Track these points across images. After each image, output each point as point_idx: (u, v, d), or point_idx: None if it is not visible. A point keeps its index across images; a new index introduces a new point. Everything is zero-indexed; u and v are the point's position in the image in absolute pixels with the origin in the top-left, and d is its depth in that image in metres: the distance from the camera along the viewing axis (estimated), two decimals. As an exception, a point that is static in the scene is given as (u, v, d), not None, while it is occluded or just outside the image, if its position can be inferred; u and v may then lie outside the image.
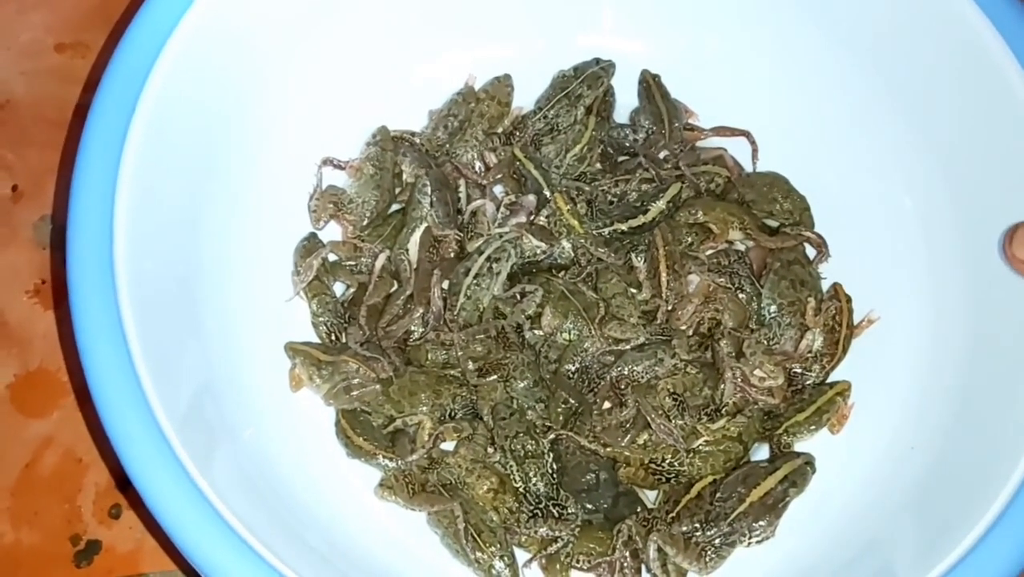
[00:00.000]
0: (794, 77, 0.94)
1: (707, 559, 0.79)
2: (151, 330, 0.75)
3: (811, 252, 0.91)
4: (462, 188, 0.92)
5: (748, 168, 0.95)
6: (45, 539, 0.88)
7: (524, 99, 0.96)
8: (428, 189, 0.89)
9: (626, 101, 0.97)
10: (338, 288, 0.90)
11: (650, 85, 0.95)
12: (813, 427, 0.84)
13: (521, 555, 0.80)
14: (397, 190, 0.92)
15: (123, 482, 0.90)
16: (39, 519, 0.89)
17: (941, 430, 0.81)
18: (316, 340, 0.87)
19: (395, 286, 0.88)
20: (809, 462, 0.81)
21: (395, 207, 0.93)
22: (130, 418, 0.71)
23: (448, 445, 0.84)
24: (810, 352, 0.86)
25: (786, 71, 0.94)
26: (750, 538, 0.79)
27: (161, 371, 0.73)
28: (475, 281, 0.85)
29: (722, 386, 0.84)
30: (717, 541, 0.79)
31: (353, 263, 0.89)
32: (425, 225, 0.89)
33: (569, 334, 0.85)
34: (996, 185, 0.85)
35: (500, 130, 0.95)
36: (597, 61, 0.95)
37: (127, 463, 0.70)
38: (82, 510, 0.89)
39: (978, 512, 0.72)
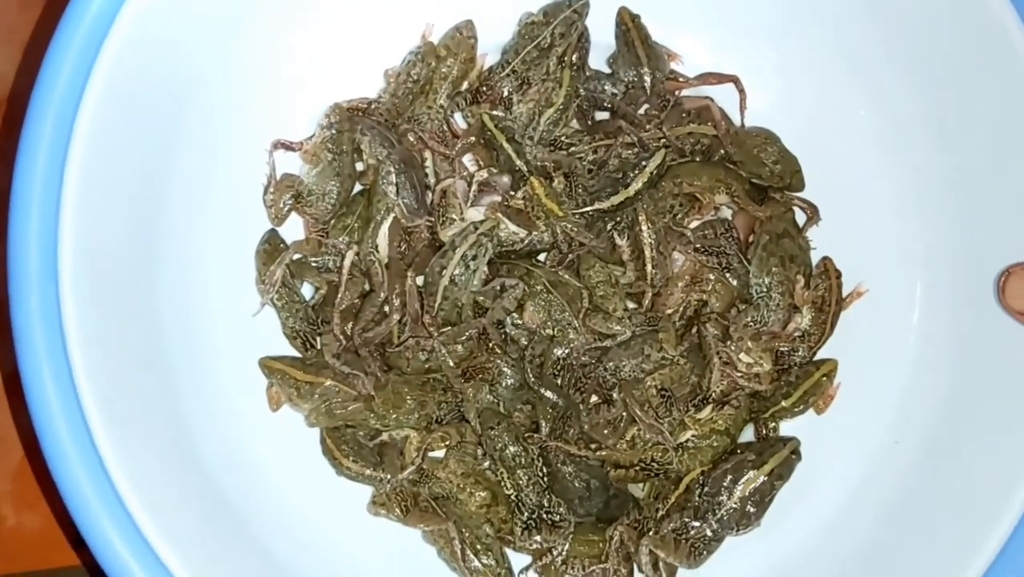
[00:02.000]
0: (789, 20, 0.86)
1: (696, 554, 0.81)
2: (101, 360, 0.72)
3: (801, 217, 0.87)
4: (428, 162, 0.85)
5: (735, 118, 0.87)
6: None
7: (490, 41, 0.87)
8: (392, 177, 0.82)
9: (601, 40, 0.87)
10: (306, 289, 0.84)
11: (629, 28, 0.86)
12: (799, 409, 0.84)
13: (516, 561, 0.82)
14: (359, 166, 0.85)
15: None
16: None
17: (930, 423, 0.82)
18: (290, 350, 0.83)
19: (367, 286, 0.83)
20: (795, 450, 0.82)
21: (359, 187, 0.86)
22: (79, 472, 0.72)
23: (437, 452, 0.83)
24: (798, 331, 0.85)
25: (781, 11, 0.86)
26: (737, 530, 0.82)
27: (113, 408, 0.72)
28: (452, 282, 0.81)
29: (708, 374, 0.83)
30: (708, 534, 0.81)
31: (319, 260, 0.84)
32: (392, 216, 0.83)
33: (552, 331, 0.82)
34: (995, 148, 0.81)
35: (465, 86, 0.87)
36: (569, 3, 0.85)
37: (76, 518, 0.72)
38: (83, 494, 0.90)
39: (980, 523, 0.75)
